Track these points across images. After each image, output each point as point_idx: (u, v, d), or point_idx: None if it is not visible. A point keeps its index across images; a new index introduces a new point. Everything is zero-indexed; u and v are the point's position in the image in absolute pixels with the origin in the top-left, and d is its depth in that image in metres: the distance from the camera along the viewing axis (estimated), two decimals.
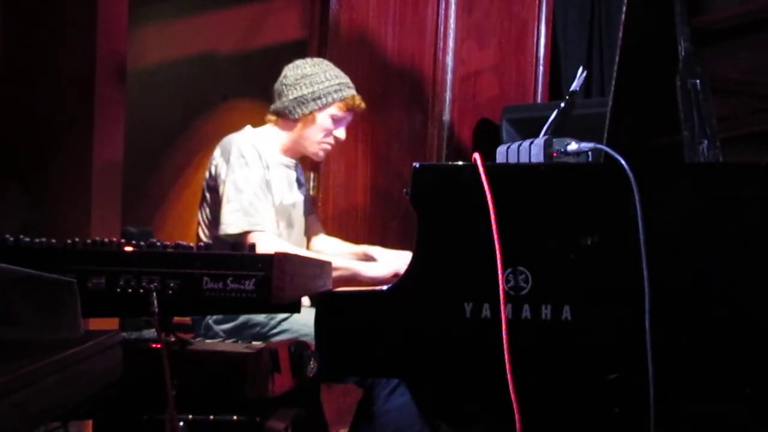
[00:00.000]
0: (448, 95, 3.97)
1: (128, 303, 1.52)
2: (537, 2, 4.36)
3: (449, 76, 3.97)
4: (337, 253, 2.81)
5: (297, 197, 2.77)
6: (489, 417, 1.86)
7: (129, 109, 2.80)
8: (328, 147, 2.74)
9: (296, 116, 2.66)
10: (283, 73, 2.72)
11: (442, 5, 3.93)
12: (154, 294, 1.49)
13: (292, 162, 2.77)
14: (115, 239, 1.57)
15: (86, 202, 2.58)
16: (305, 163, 3.48)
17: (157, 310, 1.48)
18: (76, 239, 1.57)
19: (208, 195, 2.60)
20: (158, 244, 1.57)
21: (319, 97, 2.64)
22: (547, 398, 1.76)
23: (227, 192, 2.50)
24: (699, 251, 1.71)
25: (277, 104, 2.70)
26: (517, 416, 1.65)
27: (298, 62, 2.73)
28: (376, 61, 3.66)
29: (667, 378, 1.64)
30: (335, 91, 2.66)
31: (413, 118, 3.86)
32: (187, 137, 4.03)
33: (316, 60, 2.78)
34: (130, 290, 1.51)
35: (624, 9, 1.98)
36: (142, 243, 1.57)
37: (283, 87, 2.69)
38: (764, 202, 1.69)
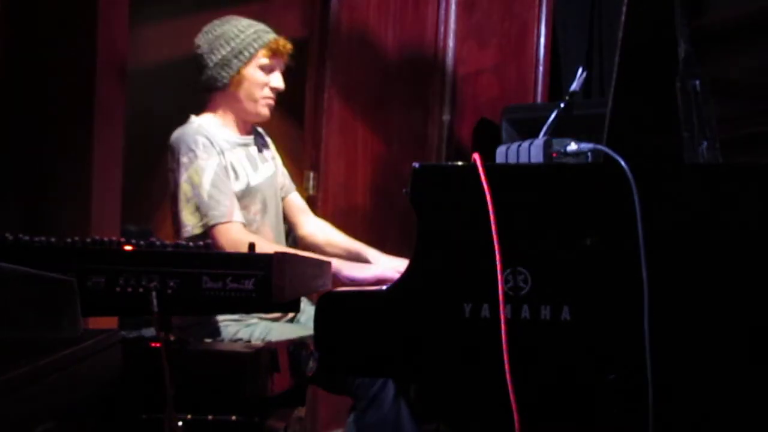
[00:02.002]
0: (448, 95, 3.97)
1: (128, 302, 1.52)
2: (537, 3, 4.36)
3: (449, 76, 3.97)
4: (330, 243, 2.72)
5: (265, 173, 2.60)
6: (488, 417, 1.86)
7: (129, 108, 2.80)
8: (271, 101, 2.55)
9: (225, 81, 2.48)
10: (195, 44, 2.53)
11: (443, 5, 3.93)
12: (154, 293, 1.49)
13: (249, 139, 2.60)
14: (114, 238, 1.58)
15: (86, 201, 2.57)
16: (305, 164, 3.49)
17: (156, 309, 1.48)
18: (76, 238, 1.57)
19: (172, 201, 2.44)
20: (158, 243, 1.57)
21: (240, 52, 2.46)
22: (546, 398, 1.76)
23: (184, 192, 2.36)
24: (698, 252, 1.71)
25: (201, 79, 2.51)
26: (515, 416, 1.65)
27: (206, 28, 2.54)
28: (376, 60, 3.66)
29: (666, 378, 1.64)
30: (254, 40, 2.48)
31: (413, 118, 3.86)
32: None
33: (223, 18, 2.56)
34: (129, 289, 1.51)
35: (624, 10, 1.98)
36: (142, 242, 1.57)
37: (200, 58, 2.50)
38: (764, 203, 1.69)
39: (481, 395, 1.82)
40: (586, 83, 4.28)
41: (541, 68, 4.37)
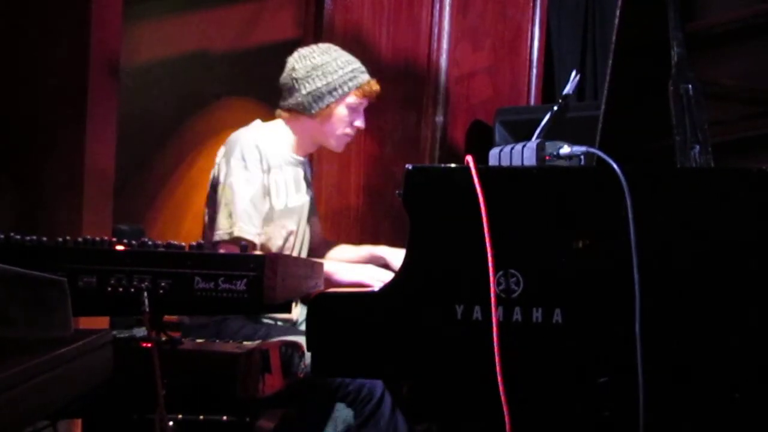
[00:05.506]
0: (441, 96, 3.97)
1: (119, 302, 1.52)
2: (531, 5, 4.37)
3: (443, 78, 3.97)
4: (343, 260, 2.72)
5: (304, 198, 2.66)
6: (479, 419, 1.86)
7: (122, 107, 2.79)
8: (349, 139, 2.65)
9: (313, 112, 2.54)
10: (289, 65, 2.58)
11: (437, 6, 3.93)
12: (145, 293, 1.49)
13: (302, 159, 2.66)
14: (106, 238, 1.57)
15: (78, 200, 2.57)
16: None
17: (148, 309, 1.48)
18: (67, 237, 1.56)
19: (210, 195, 2.52)
20: (150, 243, 1.57)
21: (335, 89, 2.53)
22: (538, 401, 1.76)
23: (224, 196, 2.43)
24: (690, 255, 1.71)
25: (289, 100, 2.58)
26: (507, 418, 1.65)
27: (304, 52, 2.59)
28: (370, 61, 3.63)
29: (657, 382, 1.65)
30: (350, 80, 2.55)
31: (406, 119, 3.86)
32: (180, 135, 4.02)
33: (323, 47, 2.63)
34: (121, 289, 1.50)
35: (618, 13, 1.99)
36: (134, 242, 1.57)
37: (294, 81, 2.55)
38: (755, 207, 1.70)
39: (472, 397, 1.82)
40: (580, 86, 4.30)
41: (534, 70, 4.38)
